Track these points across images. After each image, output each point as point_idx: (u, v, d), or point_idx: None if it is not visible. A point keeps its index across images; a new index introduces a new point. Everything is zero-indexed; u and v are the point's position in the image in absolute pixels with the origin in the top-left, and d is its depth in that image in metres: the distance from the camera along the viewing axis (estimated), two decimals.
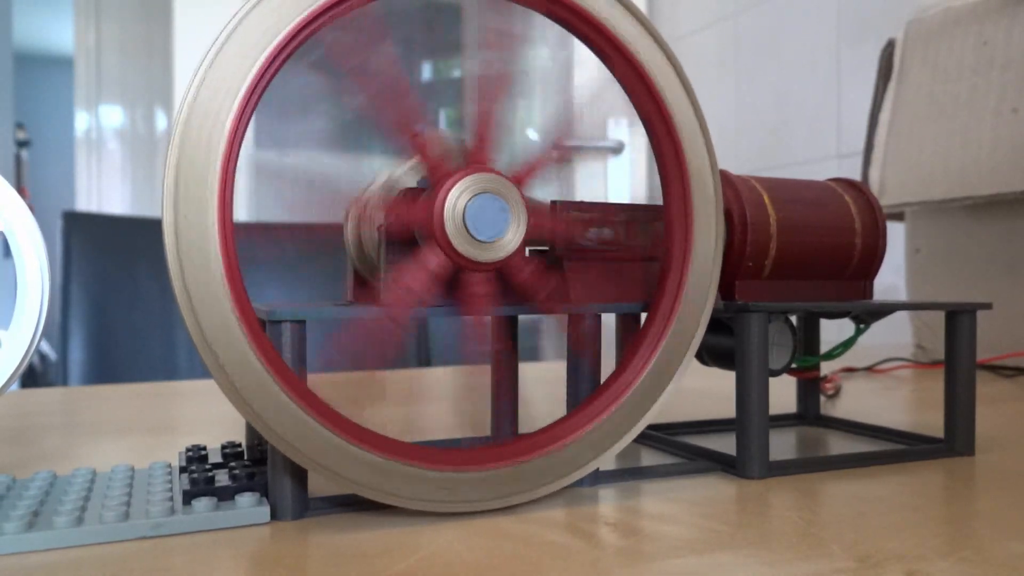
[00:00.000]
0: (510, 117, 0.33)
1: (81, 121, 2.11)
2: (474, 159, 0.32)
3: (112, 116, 2.14)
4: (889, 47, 0.95)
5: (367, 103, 0.31)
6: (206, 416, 0.60)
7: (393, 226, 0.32)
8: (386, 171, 0.36)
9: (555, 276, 0.35)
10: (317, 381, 0.31)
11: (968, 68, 0.83)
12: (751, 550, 0.28)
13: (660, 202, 0.36)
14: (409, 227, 0.32)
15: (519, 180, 0.33)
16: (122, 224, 1.25)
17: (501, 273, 0.33)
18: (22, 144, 3.49)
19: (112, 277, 1.11)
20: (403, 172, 0.35)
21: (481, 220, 0.31)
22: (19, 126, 3.26)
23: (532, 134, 0.35)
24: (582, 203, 0.36)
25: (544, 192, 0.35)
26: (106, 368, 1.08)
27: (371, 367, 0.33)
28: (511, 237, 0.32)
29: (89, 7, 2.09)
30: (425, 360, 1.11)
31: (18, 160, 3.43)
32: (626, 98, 0.35)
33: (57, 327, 1.07)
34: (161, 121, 2.15)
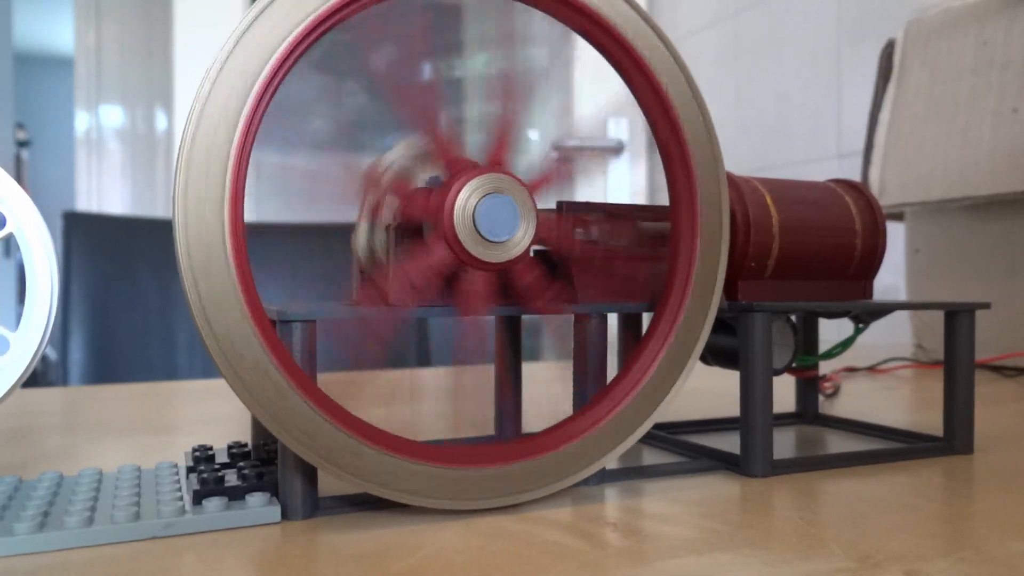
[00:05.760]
0: (528, 120, 0.33)
1: (81, 121, 2.11)
2: (491, 160, 0.33)
3: (112, 116, 2.13)
4: (889, 47, 0.95)
5: (393, 89, 0.32)
6: (206, 416, 0.60)
7: (406, 213, 0.32)
8: (393, 155, 0.36)
9: (556, 282, 0.35)
10: (326, 380, 0.31)
11: (968, 68, 0.84)
12: (751, 550, 0.28)
13: (659, 202, 0.37)
14: (419, 218, 0.32)
15: (533, 187, 0.33)
16: (122, 224, 1.25)
17: (505, 276, 0.33)
18: (22, 144, 3.49)
19: (112, 277, 1.11)
20: (410, 159, 0.35)
21: (491, 220, 0.31)
22: (19, 126, 3.26)
23: (532, 134, 0.35)
24: (588, 203, 0.36)
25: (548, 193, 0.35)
26: (106, 368, 1.08)
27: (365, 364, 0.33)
28: (519, 239, 0.32)
29: (89, 7, 2.09)
30: (425, 360, 1.12)
31: (18, 160, 3.43)
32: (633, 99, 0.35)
33: (57, 327, 1.07)
34: (161, 121, 2.14)
